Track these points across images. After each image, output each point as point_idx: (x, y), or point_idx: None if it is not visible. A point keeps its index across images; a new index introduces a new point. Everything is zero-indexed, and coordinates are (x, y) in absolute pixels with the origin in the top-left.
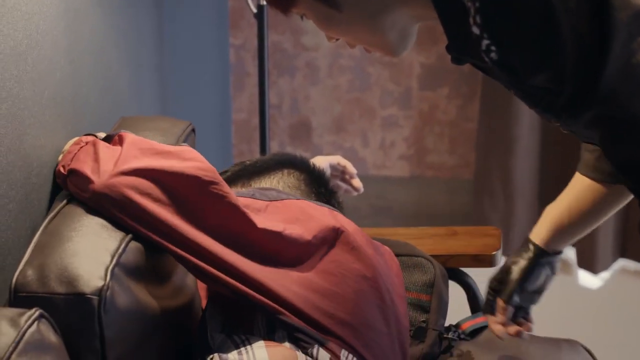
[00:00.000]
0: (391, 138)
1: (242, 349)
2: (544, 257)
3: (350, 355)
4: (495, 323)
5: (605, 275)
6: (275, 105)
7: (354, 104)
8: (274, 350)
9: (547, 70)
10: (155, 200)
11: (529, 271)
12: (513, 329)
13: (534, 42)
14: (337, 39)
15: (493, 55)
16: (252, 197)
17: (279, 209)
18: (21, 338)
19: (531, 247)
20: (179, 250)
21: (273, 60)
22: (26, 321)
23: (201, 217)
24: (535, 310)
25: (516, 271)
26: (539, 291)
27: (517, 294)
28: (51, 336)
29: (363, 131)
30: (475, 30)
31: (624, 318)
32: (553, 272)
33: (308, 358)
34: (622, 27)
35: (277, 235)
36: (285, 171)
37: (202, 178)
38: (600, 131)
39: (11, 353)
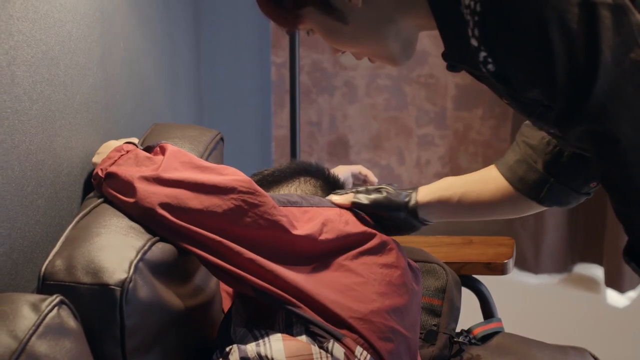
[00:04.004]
0: (427, 156)
1: (260, 340)
2: (410, 214)
3: (365, 352)
4: (336, 195)
5: (632, 294)
6: (315, 122)
7: (390, 123)
8: (290, 343)
9: (541, 85)
10: (190, 209)
11: (392, 209)
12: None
13: (529, 58)
14: (342, 52)
15: (490, 66)
16: (295, 204)
17: (319, 214)
18: (41, 322)
19: (413, 196)
20: (205, 254)
21: (313, 79)
22: (47, 306)
23: (234, 224)
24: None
25: (383, 200)
26: (386, 220)
27: (366, 209)
28: (71, 321)
29: (399, 149)
30: (474, 42)
31: None
32: (409, 230)
33: (322, 351)
34: (613, 47)
35: (312, 240)
36: (302, 179)
37: (238, 188)
38: (589, 146)
39: (31, 335)
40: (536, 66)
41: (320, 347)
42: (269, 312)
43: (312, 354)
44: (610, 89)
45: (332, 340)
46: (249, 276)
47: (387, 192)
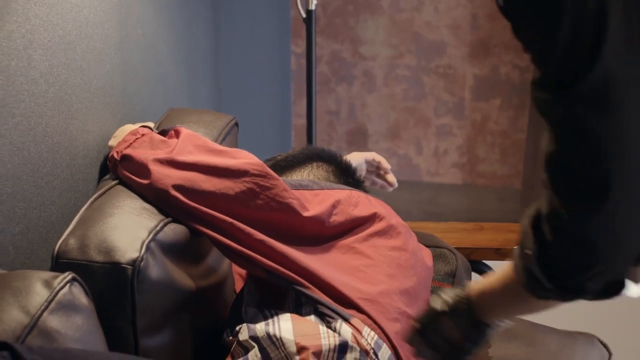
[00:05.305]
0: (444, 146)
1: (270, 320)
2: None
3: (373, 333)
4: None
5: None
6: (334, 111)
7: (408, 113)
8: (299, 322)
9: (537, 48)
10: (202, 191)
11: None
12: None
13: (535, 20)
14: None
15: (500, 0)
16: (306, 187)
17: (329, 196)
18: (53, 298)
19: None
20: (216, 235)
21: (332, 69)
22: (59, 283)
23: (246, 207)
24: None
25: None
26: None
27: None
28: (82, 298)
29: (417, 139)
30: None
31: None
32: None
33: (329, 331)
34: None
35: (321, 223)
36: (315, 164)
37: (250, 171)
38: (547, 118)
39: (43, 311)
40: (539, 30)
41: (328, 327)
42: (280, 293)
43: (319, 333)
44: (606, 80)
45: (340, 320)
46: (259, 257)
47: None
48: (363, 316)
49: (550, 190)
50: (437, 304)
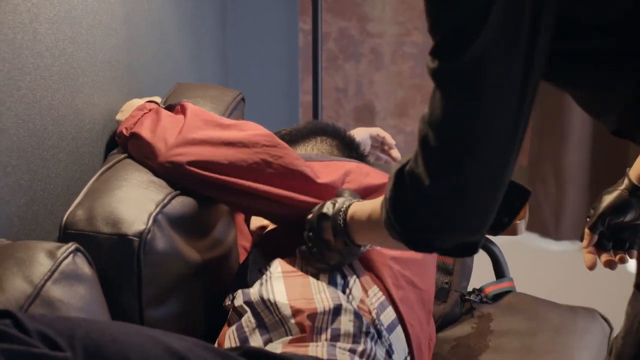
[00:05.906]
0: None
1: (263, 278)
2: (636, 192)
3: (380, 293)
4: (585, 252)
5: None
6: (341, 89)
7: (416, 90)
8: (291, 284)
9: (434, 19)
10: (217, 163)
11: (617, 202)
12: (604, 258)
13: None
14: None
15: None
16: (315, 159)
17: (339, 167)
18: (56, 268)
19: (625, 180)
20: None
21: (339, 46)
22: (62, 253)
23: (261, 177)
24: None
25: (606, 200)
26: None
27: (601, 223)
28: (85, 268)
29: None
30: None
31: None
32: None
33: (322, 294)
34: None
35: (333, 189)
36: (319, 138)
37: (261, 142)
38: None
39: (46, 280)
40: None
41: (343, 279)
42: (292, 249)
43: (312, 296)
44: (477, 61)
45: (354, 277)
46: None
47: (605, 196)
48: (372, 275)
49: (418, 147)
50: (325, 206)
